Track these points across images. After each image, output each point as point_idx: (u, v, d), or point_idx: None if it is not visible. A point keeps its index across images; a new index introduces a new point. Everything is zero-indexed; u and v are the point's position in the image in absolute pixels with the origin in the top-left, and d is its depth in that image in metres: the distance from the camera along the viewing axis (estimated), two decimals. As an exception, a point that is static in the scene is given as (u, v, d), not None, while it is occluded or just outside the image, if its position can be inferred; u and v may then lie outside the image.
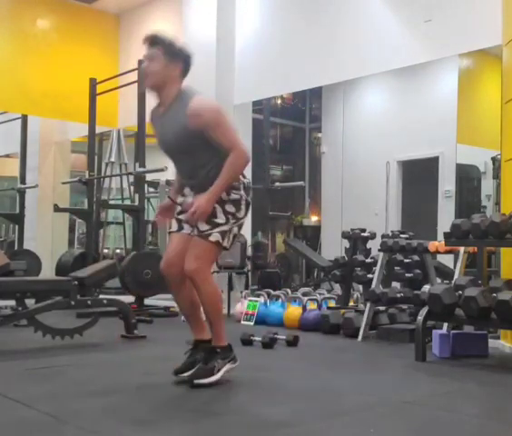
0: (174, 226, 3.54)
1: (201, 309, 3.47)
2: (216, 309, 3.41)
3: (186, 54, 3.49)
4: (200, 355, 3.44)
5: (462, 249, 4.81)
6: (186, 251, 3.36)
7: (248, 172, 8.61)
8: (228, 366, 3.41)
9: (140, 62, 7.15)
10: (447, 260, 6.40)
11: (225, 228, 3.34)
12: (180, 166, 3.56)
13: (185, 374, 3.40)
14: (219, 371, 3.34)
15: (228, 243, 3.37)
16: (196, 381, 3.27)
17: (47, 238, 10.27)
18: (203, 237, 3.31)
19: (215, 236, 3.31)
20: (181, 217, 3.50)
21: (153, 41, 3.41)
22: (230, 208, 3.36)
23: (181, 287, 3.47)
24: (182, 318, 6.10)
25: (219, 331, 3.43)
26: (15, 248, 9.62)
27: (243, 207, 3.43)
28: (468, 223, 4.40)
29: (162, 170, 7.04)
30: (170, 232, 3.59)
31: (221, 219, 3.33)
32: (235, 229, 3.40)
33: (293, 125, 12.38)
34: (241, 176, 3.43)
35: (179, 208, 3.55)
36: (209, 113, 3.31)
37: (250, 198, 3.49)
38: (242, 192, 3.42)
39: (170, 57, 3.37)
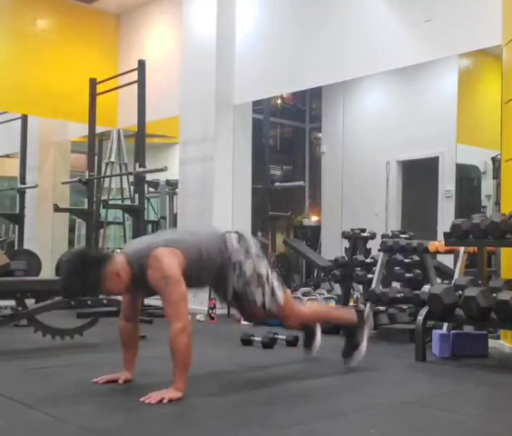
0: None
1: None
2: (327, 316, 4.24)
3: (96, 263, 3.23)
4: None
5: (462, 249, 4.81)
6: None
7: (248, 171, 8.65)
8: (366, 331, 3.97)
9: (140, 62, 7.18)
10: (447, 260, 6.40)
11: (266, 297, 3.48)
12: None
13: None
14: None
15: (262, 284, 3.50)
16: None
17: (47, 238, 10.27)
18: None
19: (259, 299, 3.46)
20: None
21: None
22: (243, 279, 3.44)
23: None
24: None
25: (343, 317, 4.11)
26: (15, 248, 9.61)
27: (248, 244, 3.52)
28: (468, 223, 4.40)
29: (162, 170, 7.03)
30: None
31: (258, 295, 3.46)
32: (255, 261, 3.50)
33: (293, 125, 12.38)
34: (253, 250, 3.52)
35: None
36: (156, 279, 3.20)
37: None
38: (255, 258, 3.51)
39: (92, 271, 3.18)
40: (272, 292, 3.51)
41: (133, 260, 3.26)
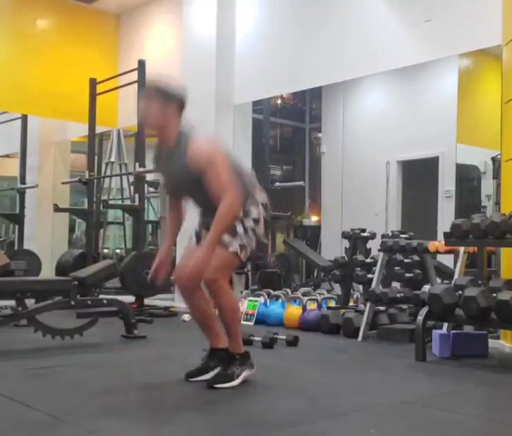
0: (193, 241, 3.58)
1: (218, 318, 3.52)
2: (233, 318, 3.45)
3: (180, 94, 3.48)
4: (214, 362, 3.49)
5: (462, 249, 4.80)
6: None
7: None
8: (246, 372, 3.46)
9: (140, 62, 7.18)
10: (447, 260, 6.40)
11: (244, 241, 3.37)
12: (194, 204, 3.62)
13: (198, 378, 3.44)
14: (238, 376, 3.40)
15: (244, 257, 3.41)
16: (216, 385, 3.32)
17: (47, 238, 10.27)
18: (223, 246, 3.32)
19: (234, 247, 3.33)
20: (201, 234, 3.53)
21: (148, 83, 3.60)
22: (249, 223, 3.40)
23: (193, 297, 3.48)
24: (183, 318, 6.14)
25: (236, 338, 3.48)
26: (15, 248, 9.61)
27: (262, 225, 3.47)
28: (468, 223, 4.40)
29: (162, 170, 7.02)
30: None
31: (239, 231, 3.36)
32: (253, 244, 3.44)
33: (293, 125, 12.38)
34: (260, 198, 3.49)
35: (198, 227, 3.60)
36: (204, 157, 3.29)
37: (269, 217, 3.53)
38: (262, 210, 3.47)
39: (163, 98, 3.40)
40: (245, 247, 3.38)
41: (184, 129, 3.41)
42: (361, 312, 5.40)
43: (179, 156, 3.34)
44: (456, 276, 4.68)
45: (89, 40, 9.31)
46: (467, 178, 8.94)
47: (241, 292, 6.89)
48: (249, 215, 3.41)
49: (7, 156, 12.44)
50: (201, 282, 3.33)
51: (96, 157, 9.01)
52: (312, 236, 10.75)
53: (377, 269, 5.39)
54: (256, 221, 3.44)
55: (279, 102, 11.70)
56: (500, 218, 4.25)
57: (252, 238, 3.42)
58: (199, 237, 3.55)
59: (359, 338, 5.20)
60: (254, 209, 3.45)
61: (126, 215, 9.64)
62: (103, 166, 9.95)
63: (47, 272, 8.98)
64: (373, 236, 6.31)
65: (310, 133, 12.16)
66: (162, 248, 3.68)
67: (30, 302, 4.83)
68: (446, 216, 8.10)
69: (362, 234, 6.29)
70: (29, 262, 7.72)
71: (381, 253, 5.37)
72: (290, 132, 12.62)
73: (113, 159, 9.86)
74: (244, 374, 3.43)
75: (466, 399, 3.38)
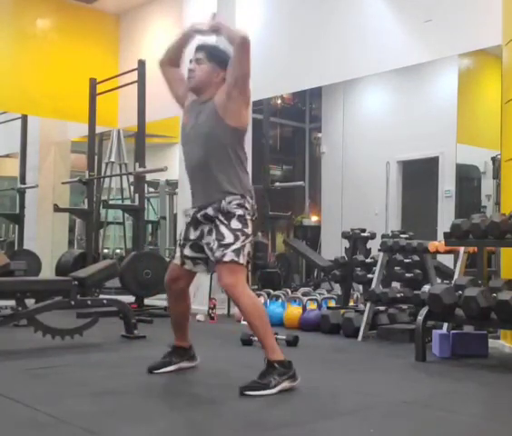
0: (177, 258, 3.56)
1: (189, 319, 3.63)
2: (261, 322, 3.32)
3: (228, 58, 3.57)
4: (175, 359, 3.63)
5: (462, 249, 4.80)
6: (188, 274, 3.55)
7: (248, 172, 8.62)
8: (286, 384, 3.24)
9: (140, 62, 7.18)
10: (447, 260, 6.40)
11: (237, 245, 3.32)
12: (197, 179, 3.52)
13: (159, 371, 3.54)
14: (275, 386, 3.19)
15: (244, 261, 3.36)
16: (248, 393, 3.13)
17: (47, 238, 10.26)
18: (220, 263, 3.31)
19: (229, 256, 3.30)
20: (185, 252, 3.52)
21: (201, 46, 3.60)
22: (236, 225, 3.35)
23: (179, 300, 3.58)
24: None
25: (270, 343, 3.31)
26: (15, 248, 9.62)
27: (249, 223, 3.42)
28: (468, 223, 4.40)
29: (162, 170, 7.03)
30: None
31: (229, 238, 3.32)
32: (247, 245, 3.39)
33: (293, 125, 12.37)
34: (248, 198, 3.44)
35: (183, 240, 3.56)
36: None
37: (255, 217, 3.48)
38: (248, 207, 3.42)
39: (214, 64, 3.52)
40: (241, 249, 3.33)
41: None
42: (361, 312, 5.40)
43: (209, 105, 3.44)
44: (456, 276, 4.68)
45: (89, 40, 9.31)
46: (467, 178, 8.94)
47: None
48: (235, 213, 3.37)
49: (7, 156, 12.44)
50: None
51: (96, 157, 9.01)
52: (312, 236, 10.74)
53: (377, 269, 5.39)
54: (242, 218, 3.37)
55: (279, 102, 11.70)
56: (500, 218, 4.25)
57: (244, 240, 3.36)
58: (196, 221, 3.49)
59: (359, 338, 5.20)
60: (237, 207, 3.40)
61: (126, 215, 9.63)
62: (103, 166, 9.94)
63: (47, 272, 8.98)
64: (373, 236, 6.31)
65: (310, 133, 12.15)
66: None
67: (30, 302, 4.83)
68: (446, 216, 8.09)
69: (362, 234, 6.29)
70: (29, 262, 7.71)
71: (381, 253, 5.37)
72: (290, 132, 12.62)
73: (113, 159, 9.85)
74: (283, 385, 3.22)
75: (466, 399, 3.38)
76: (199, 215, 3.44)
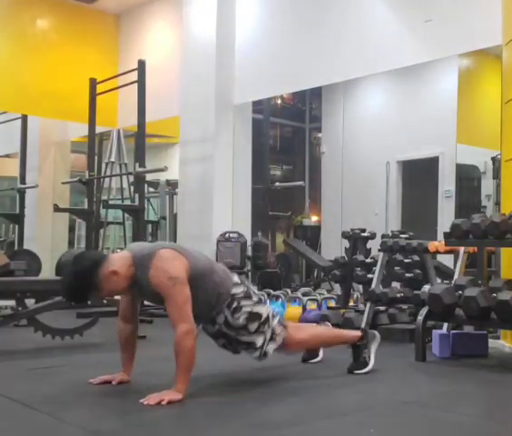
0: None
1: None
2: (324, 338, 4.07)
3: (91, 269, 3.11)
4: None
5: (462, 249, 4.80)
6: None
7: (248, 171, 8.64)
8: (373, 347, 3.90)
9: (140, 62, 7.17)
10: (447, 260, 6.40)
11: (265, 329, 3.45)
12: None
13: None
14: (369, 357, 3.84)
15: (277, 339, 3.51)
16: (355, 372, 3.78)
17: (47, 238, 10.27)
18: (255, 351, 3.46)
19: (260, 341, 3.42)
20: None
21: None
22: (239, 314, 3.40)
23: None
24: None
25: (342, 337, 4.02)
26: (15, 248, 9.61)
27: (242, 294, 3.44)
28: (468, 223, 4.40)
29: (162, 170, 7.03)
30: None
31: (255, 338, 3.43)
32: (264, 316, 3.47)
33: (293, 125, 12.38)
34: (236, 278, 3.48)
35: None
36: (160, 280, 3.12)
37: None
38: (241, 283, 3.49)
39: (90, 283, 3.12)
40: (272, 336, 3.45)
41: (137, 258, 3.19)
42: (361, 312, 5.40)
43: (143, 284, 3.20)
44: (456, 276, 4.68)
45: (89, 40, 9.31)
46: (467, 178, 8.94)
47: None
48: (240, 303, 3.39)
49: (7, 156, 12.44)
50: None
51: (96, 157, 9.01)
52: (312, 236, 10.75)
53: (377, 269, 5.38)
54: (237, 309, 3.39)
55: (279, 102, 11.71)
56: (500, 218, 4.25)
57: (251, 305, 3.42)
58: None
59: (359, 338, 5.19)
60: (238, 289, 3.43)
61: (126, 215, 9.63)
62: (103, 166, 9.94)
63: (47, 272, 8.97)
64: (373, 236, 6.30)
65: (310, 133, 12.16)
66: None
67: (30, 302, 4.83)
68: (446, 216, 8.10)
69: (362, 234, 6.28)
70: (29, 262, 7.71)
71: (381, 253, 5.36)
72: (290, 132, 12.62)
73: (113, 159, 9.85)
74: (373, 350, 3.85)
75: (466, 399, 3.38)
76: None
